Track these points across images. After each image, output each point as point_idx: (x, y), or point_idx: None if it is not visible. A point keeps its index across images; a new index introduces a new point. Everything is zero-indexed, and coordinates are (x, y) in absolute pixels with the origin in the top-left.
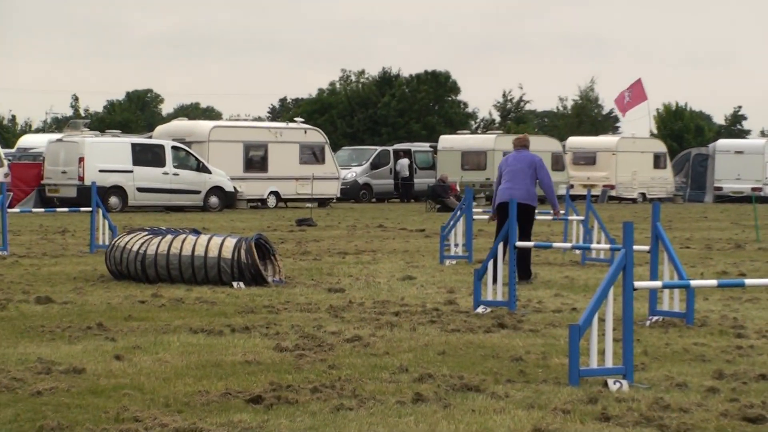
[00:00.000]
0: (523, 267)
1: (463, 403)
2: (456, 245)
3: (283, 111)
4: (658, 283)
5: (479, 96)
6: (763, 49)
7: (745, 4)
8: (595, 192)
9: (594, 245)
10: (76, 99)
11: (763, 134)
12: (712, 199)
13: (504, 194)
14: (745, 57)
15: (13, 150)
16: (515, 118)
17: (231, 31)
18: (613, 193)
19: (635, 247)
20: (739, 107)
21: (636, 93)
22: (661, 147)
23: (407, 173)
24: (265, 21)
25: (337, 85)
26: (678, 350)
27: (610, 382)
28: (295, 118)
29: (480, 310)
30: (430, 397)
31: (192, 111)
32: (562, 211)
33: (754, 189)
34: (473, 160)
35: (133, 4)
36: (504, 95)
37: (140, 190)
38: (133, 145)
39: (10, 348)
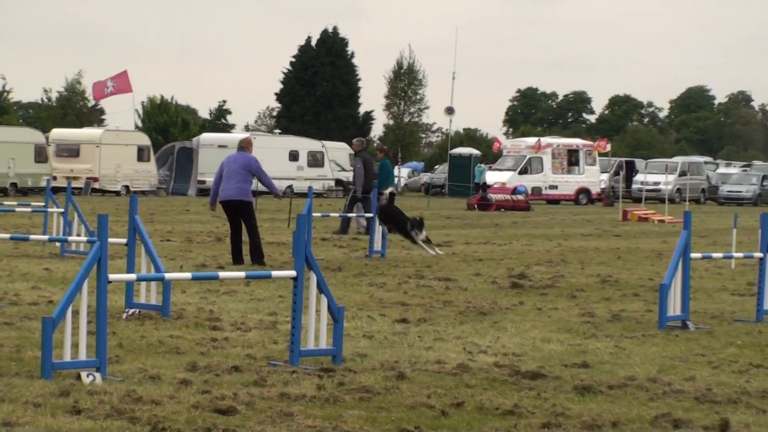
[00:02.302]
0: (257, 254)
1: None
2: None
3: None
4: (132, 276)
5: None
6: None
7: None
8: (78, 184)
9: (72, 237)
10: None
11: (247, 129)
12: (195, 192)
13: (222, 193)
14: (231, 51)
15: None
16: None
17: None
18: (96, 185)
19: (113, 240)
20: (224, 101)
21: (120, 85)
22: (145, 140)
23: None
24: None
25: None
26: (153, 342)
27: (84, 374)
28: None
29: None
30: None
31: None
32: (281, 194)
33: None
34: None
35: None
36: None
37: None
38: None
39: None
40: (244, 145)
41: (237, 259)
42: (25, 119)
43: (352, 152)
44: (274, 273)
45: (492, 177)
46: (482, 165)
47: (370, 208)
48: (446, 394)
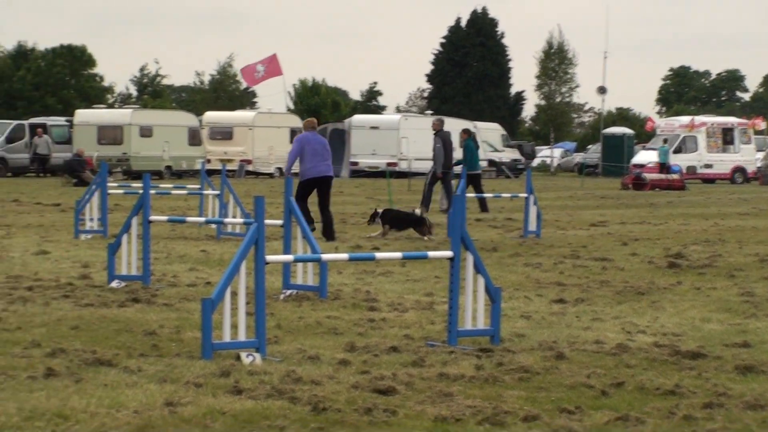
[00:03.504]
0: (329, 232)
1: (95, 377)
2: (91, 219)
3: None
4: (290, 257)
5: (116, 70)
6: (398, 26)
7: None
8: (232, 167)
9: (228, 219)
10: None
11: (398, 110)
12: (348, 173)
13: (315, 170)
14: (382, 33)
15: None
16: (152, 92)
17: None
18: (250, 167)
19: (269, 222)
20: (375, 83)
21: (271, 68)
22: (297, 122)
23: (46, 151)
24: None
25: None
26: (311, 323)
27: (243, 355)
28: None
29: (114, 284)
30: (62, 371)
31: None
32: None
33: (389, 164)
34: (109, 134)
35: None
36: (141, 69)
37: None
38: None
39: None
40: (315, 126)
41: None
42: (178, 103)
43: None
44: (431, 253)
45: (645, 156)
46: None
47: (450, 187)
48: (606, 374)
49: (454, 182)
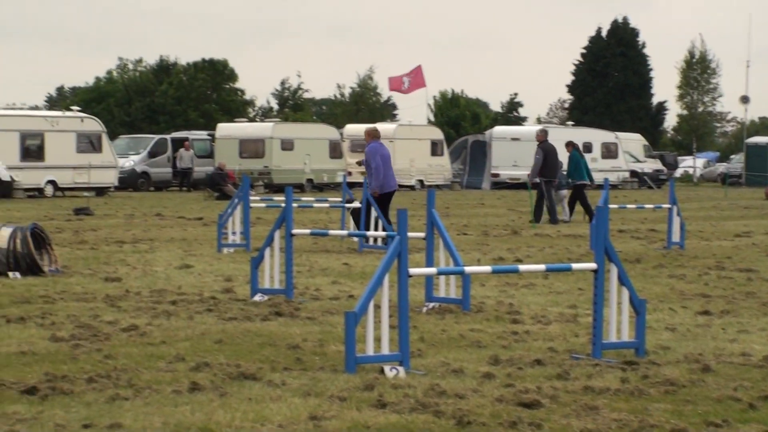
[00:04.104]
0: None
1: (239, 391)
2: (234, 233)
3: (60, 100)
4: (433, 270)
5: (257, 84)
6: (539, 36)
7: None
8: None
9: (370, 232)
10: None
11: (539, 121)
12: (489, 185)
13: (391, 182)
14: (521, 44)
15: None
16: (293, 105)
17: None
18: None
19: (411, 234)
20: (515, 94)
21: (415, 79)
22: (438, 134)
23: (190, 164)
24: (41, 6)
25: (115, 74)
26: (454, 336)
27: (387, 368)
28: (72, 107)
29: (257, 298)
30: (207, 385)
31: None
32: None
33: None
34: (251, 148)
35: None
36: (282, 83)
37: None
38: None
39: None
40: (379, 135)
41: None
42: (318, 115)
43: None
44: (574, 265)
45: None
46: None
47: (551, 197)
48: (753, 387)
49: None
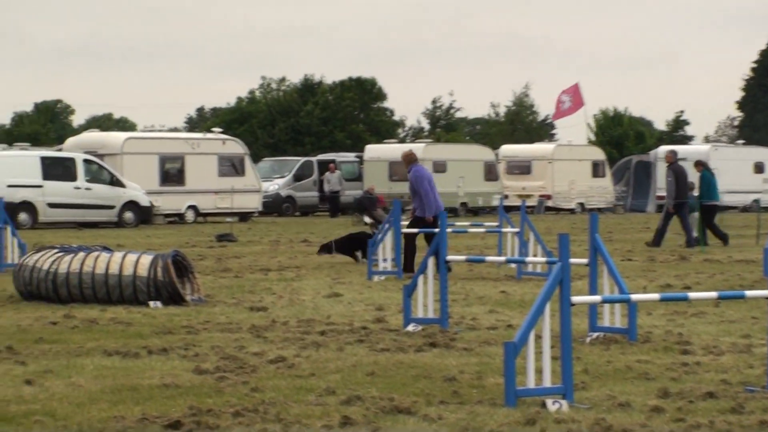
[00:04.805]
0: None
1: (393, 426)
2: (384, 260)
3: (201, 121)
4: (597, 298)
5: (407, 103)
6: (706, 52)
7: (685, 3)
8: (531, 202)
9: (530, 258)
10: None
11: (707, 140)
12: (654, 208)
13: (439, 205)
14: (687, 59)
15: None
16: (445, 125)
17: (145, 39)
18: (550, 203)
19: (573, 260)
20: (681, 112)
21: (574, 98)
22: (599, 154)
23: (338, 187)
24: (181, 27)
25: (257, 94)
26: (620, 368)
27: (549, 402)
28: (213, 129)
29: (410, 328)
30: (359, 420)
31: (104, 122)
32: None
33: (698, 198)
34: (401, 170)
35: (33, 12)
36: (433, 102)
37: (51, 205)
38: (43, 159)
39: None
40: (417, 159)
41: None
42: (472, 136)
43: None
44: (748, 293)
45: None
46: None
47: (685, 220)
48: None
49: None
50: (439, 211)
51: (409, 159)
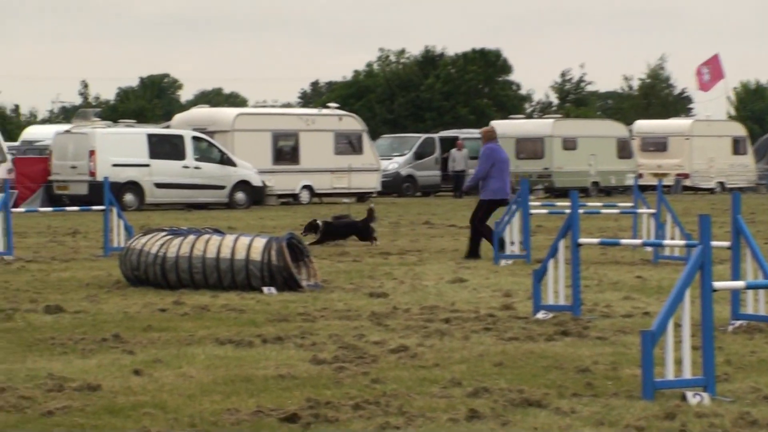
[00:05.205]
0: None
1: (523, 420)
2: (512, 243)
3: (316, 96)
4: (740, 283)
5: (534, 76)
6: None
7: None
8: (668, 182)
9: (667, 241)
10: (86, 86)
11: None
12: None
13: (505, 191)
14: None
15: (16, 143)
16: (575, 100)
17: (255, 9)
18: (687, 182)
19: (714, 243)
20: None
21: (714, 70)
22: (740, 130)
23: (463, 166)
24: None
25: (375, 67)
26: (765, 358)
27: (689, 395)
28: (329, 104)
29: (540, 315)
30: (487, 413)
31: (214, 97)
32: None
33: None
34: (529, 147)
35: None
36: (562, 75)
37: (158, 185)
38: (150, 136)
39: (17, 363)
40: (496, 137)
41: (477, 254)
42: (604, 111)
43: None
44: None
45: None
46: None
47: None
48: None
49: None
50: (497, 197)
51: (486, 136)
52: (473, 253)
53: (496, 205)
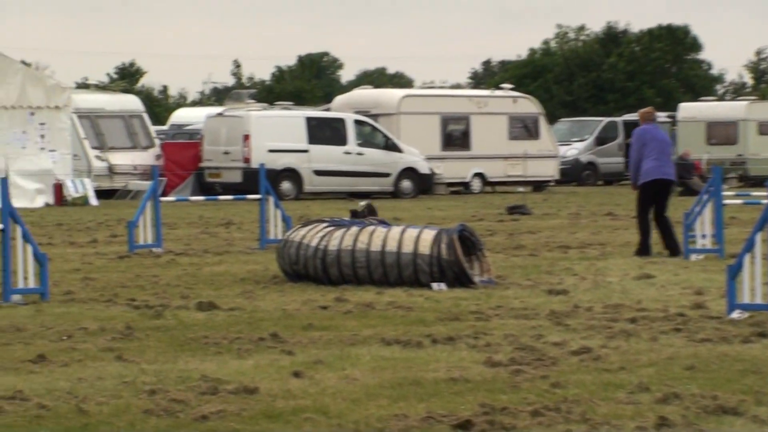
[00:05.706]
0: (672, 243)
1: (717, 428)
2: (703, 236)
3: (488, 76)
4: None
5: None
6: None
7: None
8: None
9: None
10: (239, 65)
11: None
12: None
13: (660, 170)
14: None
15: (165, 127)
16: None
17: None
18: None
19: None
20: None
21: None
22: None
23: None
24: None
25: (552, 45)
26: None
27: None
28: (503, 85)
29: (735, 315)
30: (678, 421)
31: (378, 78)
32: None
33: None
34: (721, 132)
35: None
36: (757, 53)
37: (317, 173)
38: (308, 120)
39: (168, 363)
40: (654, 118)
41: (647, 251)
42: None
43: None
44: None
45: None
46: None
47: None
48: None
49: None
50: (650, 177)
51: (642, 117)
52: (670, 247)
53: (652, 188)
